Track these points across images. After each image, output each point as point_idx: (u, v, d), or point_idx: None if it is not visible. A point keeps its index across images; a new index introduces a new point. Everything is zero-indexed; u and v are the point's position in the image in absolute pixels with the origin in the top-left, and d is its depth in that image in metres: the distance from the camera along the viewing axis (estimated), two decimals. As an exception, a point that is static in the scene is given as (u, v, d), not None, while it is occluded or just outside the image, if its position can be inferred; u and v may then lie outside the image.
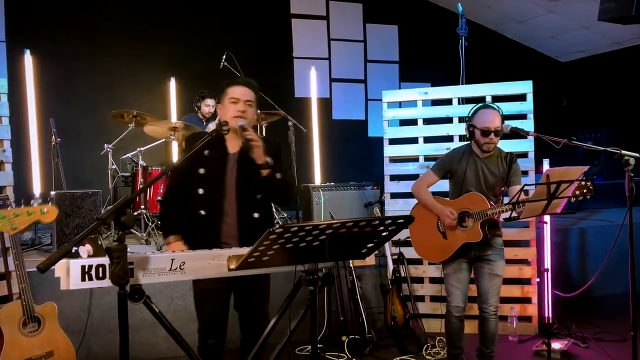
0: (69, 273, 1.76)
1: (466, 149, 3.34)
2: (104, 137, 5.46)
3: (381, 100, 4.73)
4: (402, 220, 1.77)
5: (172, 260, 1.87)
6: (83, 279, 1.77)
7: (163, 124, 4.97)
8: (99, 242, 1.77)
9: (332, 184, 5.06)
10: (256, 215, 2.60)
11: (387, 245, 4.35)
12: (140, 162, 5.15)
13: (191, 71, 6.86)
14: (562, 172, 2.82)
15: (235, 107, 2.58)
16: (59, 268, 1.76)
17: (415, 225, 3.36)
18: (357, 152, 7.69)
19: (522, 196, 2.89)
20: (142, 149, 5.10)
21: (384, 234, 1.86)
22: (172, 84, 6.83)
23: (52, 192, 4.17)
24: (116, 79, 6.64)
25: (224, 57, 5.31)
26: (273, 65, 7.50)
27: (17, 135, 5.31)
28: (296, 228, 1.63)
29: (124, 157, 5.31)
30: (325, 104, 7.84)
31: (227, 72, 5.31)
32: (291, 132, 5.47)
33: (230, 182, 2.60)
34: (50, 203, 3.09)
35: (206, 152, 2.58)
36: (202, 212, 2.56)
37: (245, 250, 1.88)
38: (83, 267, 1.77)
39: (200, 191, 2.57)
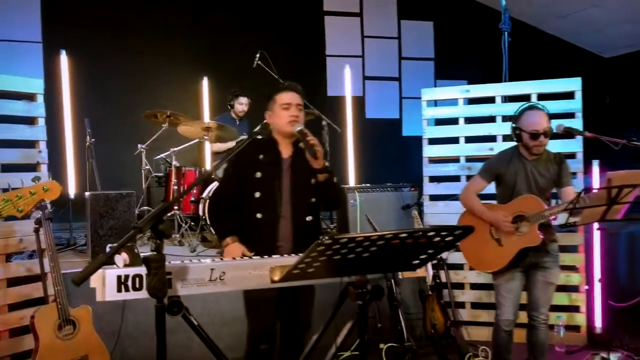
0: (105, 283, 1.67)
1: (514, 152, 3.16)
2: (138, 137, 5.43)
3: (416, 98, 4.59)
4: (460, 231, 1.62)
5: (212, 270, 1.76)
6: (119, 290, 1.68)
7: (196, 124, 4.91)
8: (136, 250, 1.66)
9: (368, 185, 4.91)
10: (309, 218, 2.64)
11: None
12: (174, 162, 5.11)
13: (223, 70, 6.79)
14: (624, 176, 2.62)
15: (288, 112, 2.61)
16: (95, 279, 1.67)
17: None
18: (391, 152, 7.50)
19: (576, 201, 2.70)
20: (175, 149, 5.05)
21: (440, 245, 1.71)
22: (205, 83, 6.78)
23: (87, 193, 4.13)
24: (149, 78, 6.62)
25: (258, 55, 5.20)
26: (306, 63, 7.37)
27: (53, 135, 5.34)
28: (346, 239, 1.50)
29: (157, 157, 5.27)
30: (359, 103, 7.69)
31: (260, 71, 5.22)
32: (325, 132, 5.33)
33: (285, 186, 2.63)
34: (50, 179, 3.02)
35: (261, 156, 2.62)
36: (259, 215, 2.58)
37: (291, 260, 1.77)
38: (119, 277, 1.68)
39: (257, 195, 2.59)
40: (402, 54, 8.10)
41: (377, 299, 1.86)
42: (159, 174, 5.51)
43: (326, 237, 1.44)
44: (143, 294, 1.67)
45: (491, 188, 3.28)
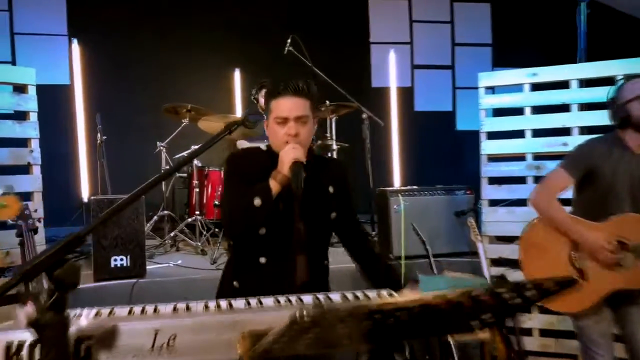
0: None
1: (613, 142, 2.40)
2: (158, 134, 4.95)
3: (471, 88, 4.01)
4: (556, 287, 0.94)
5: (157, 333, 1.15)
6: (11, 365, 1.10)
7: (218, 119, 4.37)
8: (42, 300, 1.05)
9: (415, 187, 4.21)
10: (326, 262, 2.11)
11: (484, 264, 3.51)
12: (196, 162, 4.60)
13: (257, 60, 6.23)
14: None
15: (283, 129, 1.92)
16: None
17: (533, 254, 2.47)
18: (443, 149, 6.77)
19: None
20: (196, 147, 4.53)
21: (516, 302, 1.03)
22: (237, 75, 6.26)
23: (92, 198, 3.65)
24: (173, 70, 6.13)
25: (289, 41, 4.63)
26: (347, 51, 6.70)
27: (65, 132, 4.99)
28: (344, 312, 0.85)
29: (178, 156, 4.77)
30: (407, 94, 7.00)
31: (293, 59, 4.66)
32: (365, 126, 4.73)
33: (298, 221, 1.90)
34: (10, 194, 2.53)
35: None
36: (262, 260, 1.97)
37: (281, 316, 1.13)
38: (9, 346, 1.09)
39: (262, 231, 1.94)
40: (455, 39, 7.34)
41: None
42: (183, 175, 5.01)
43: (308, 310, 0.80)
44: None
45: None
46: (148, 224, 4.66)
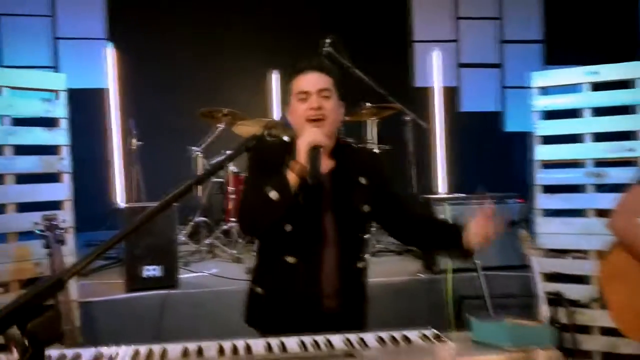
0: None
1: None
2: (193, 139, 4.85)
3: (521, 87, 3.74)
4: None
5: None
6: None
7: (254, 123, 4.23)
8: (26, 344, 0.88)
9: (462, 195, 3.94)
10: (361, 264, 1.88)
11: (537, 280, 3.22)
12: (231, 167, 4.48)
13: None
14: None
15: (305, 104, 1.77)
16: None
17: (618, 289, 2.19)
18: (491, 153, 6.45)
19: None
20: (229, 152, 4.41)
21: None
22: (275, 77, 6.10)
23: (125, 206, 3.57)
24: (208, 74, 6.05)
25: (327, 42, 4.46)
26: (388, 50, 6.50)
27: (105, 138, 4.96)
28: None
29: (214, 162, 4.65)
30: (451, 94, 6.69)
31: (331, 59, 4.47)
32: (408, 129, 4.49)
33: (327, 215, 1.79)
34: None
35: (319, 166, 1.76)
36: (291, 260, 1.79)
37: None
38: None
39: (288, 228, 1.77)
40: (503, 36, 6.99)
41: None
42: (220, 180, 4.89)
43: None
44: None
45: None
46: (184, 230, 4.58)
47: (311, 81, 1.78)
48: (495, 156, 6.41)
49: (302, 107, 1.77)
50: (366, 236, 1.89)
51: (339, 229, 1.78)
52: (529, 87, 3.59)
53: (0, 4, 5.94)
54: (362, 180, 1.85)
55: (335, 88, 1.82)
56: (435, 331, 1.36)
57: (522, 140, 3.90)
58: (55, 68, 6.03)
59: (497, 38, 7.00)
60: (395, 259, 4.29)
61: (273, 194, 1.64)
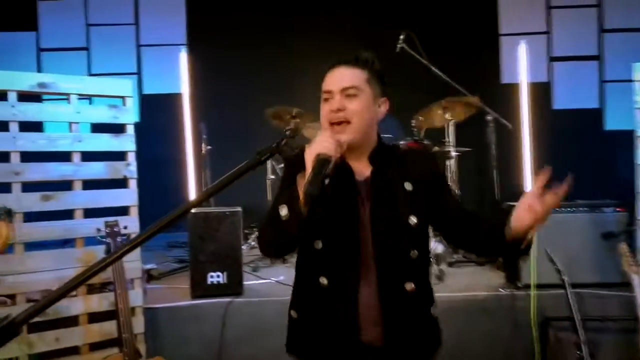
0: None
1: None
2: (263, 142, 4.77)
3: (624, 81, 3.81)
4: None
5: None
6: None
7: (320, 126, 4.07)
8: None
9: (552, 203, 3.55)
10: (409, 286, 1.60)
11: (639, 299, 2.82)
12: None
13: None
14: None
15: (328, 105, 1.60)
16: None
17: None
18: (588, 155, 5.92)
19: None
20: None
21: None
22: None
23: (192, 211, 3.54)
24: (279, 75, 6.00)
25: (402, 37, 4.28)
26: (471, 46, 6.13)
27: (173, 142, 5.04)
28: None
29: (281, 165, 4.57)
30: (542, 90, 6.24)
31: (407, 57, 4.29)
32: (490, 130, 4.18)
33: (366, 229, 1.58)
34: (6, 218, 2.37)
35: (326, 180, 1.51)
36: (324, 281, 1.60)
37: None
38: None
39: (319, 245, 1.59)
40: (603, 25, 6.40)
41: None
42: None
43: None
44: None
45: None
46: (254, 234, 4.54)
47: (335, 79, 1.62)
48: (592, 158, 5.89)
49: (325, 108, 1.61)
50: (417, 253, 1.61)
51: (379, 246, 1.57)
52: (632, 81, 3.25)
53: (89, 15, 6.26)
54: (408, 186, 1.62)
55: (369, 84, 1.62)
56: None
57: (624, 141, 3.60)
58: (138, 74, 6.28)
59: (596, 27, 6.42)
60: (475, 270, 3.97)
61: (283, 212, 1.47)
